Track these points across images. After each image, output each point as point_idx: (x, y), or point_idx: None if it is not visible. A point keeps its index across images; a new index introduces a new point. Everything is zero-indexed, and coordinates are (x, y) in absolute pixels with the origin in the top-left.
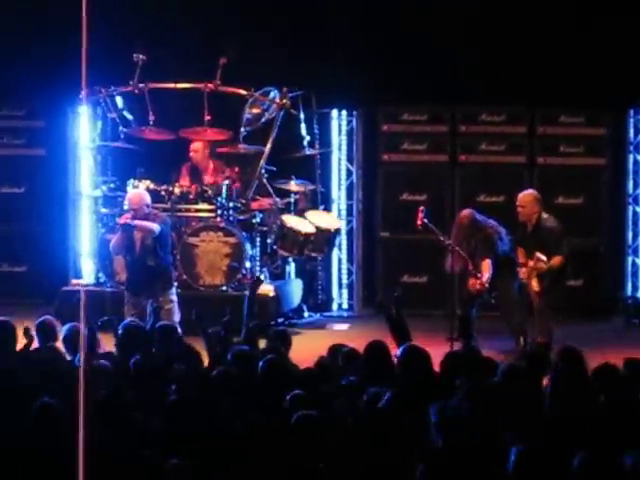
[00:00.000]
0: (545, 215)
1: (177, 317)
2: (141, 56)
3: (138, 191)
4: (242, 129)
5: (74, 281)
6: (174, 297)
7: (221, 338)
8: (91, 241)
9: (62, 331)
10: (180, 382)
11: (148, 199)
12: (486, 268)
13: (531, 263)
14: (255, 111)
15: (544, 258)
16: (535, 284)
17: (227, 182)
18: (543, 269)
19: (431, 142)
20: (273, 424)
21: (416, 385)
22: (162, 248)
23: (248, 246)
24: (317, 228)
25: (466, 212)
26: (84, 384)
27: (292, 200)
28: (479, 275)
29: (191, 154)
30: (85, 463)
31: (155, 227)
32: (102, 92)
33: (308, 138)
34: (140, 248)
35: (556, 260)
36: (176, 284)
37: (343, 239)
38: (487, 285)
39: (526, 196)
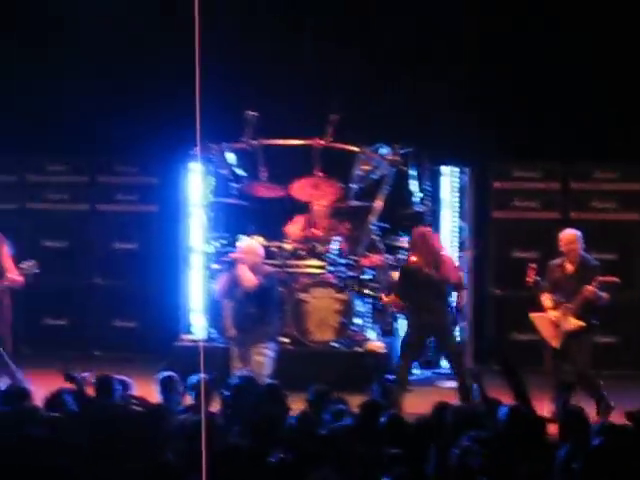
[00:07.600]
0: (584, 253)
1: (266, 372)
2: (252, 113)
3: (253, 243)
4: (353, 185)
5: (185, 336)
6: (271, 353)
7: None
8: (202, 297)
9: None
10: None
11: (261, 252)
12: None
13: (570, 305)
14: (366, 167)
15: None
16: (575, 321)
17: (339, 238)
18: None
19: (542, 199)
20: None
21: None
22: (265, 301)
23: (358, 302)
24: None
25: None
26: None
27: (403, 257)
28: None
29: (315, 207)
30: None
31: (252, 282)
32: (214, 148)
33: (420, 194)
34: (242, 293)
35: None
36: (287, 340)
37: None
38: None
39: (569, 235)
